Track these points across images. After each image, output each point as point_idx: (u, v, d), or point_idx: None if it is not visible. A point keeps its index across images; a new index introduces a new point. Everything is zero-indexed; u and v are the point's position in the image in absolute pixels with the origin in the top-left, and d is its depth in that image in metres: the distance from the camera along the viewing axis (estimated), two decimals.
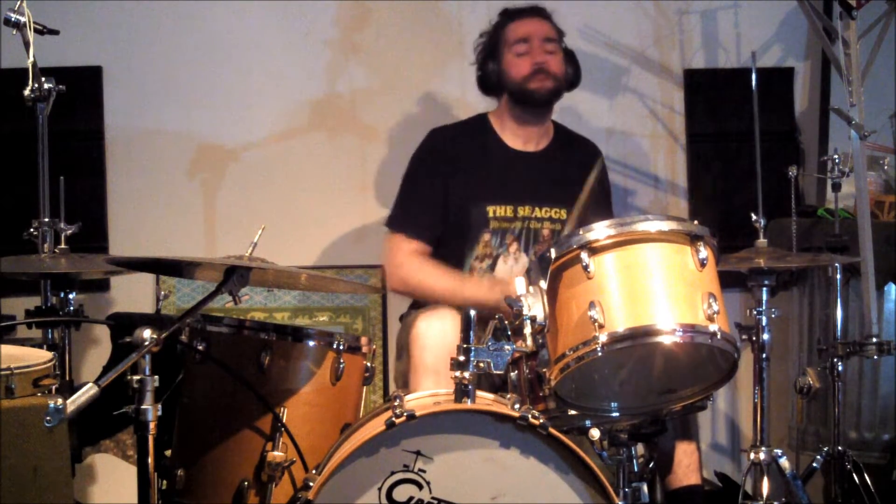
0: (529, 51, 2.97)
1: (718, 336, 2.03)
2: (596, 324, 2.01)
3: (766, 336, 2.66)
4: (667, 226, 2.09)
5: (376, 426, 1.98)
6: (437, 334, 2.62)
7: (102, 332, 3.33)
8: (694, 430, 2.75)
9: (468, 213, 2.94)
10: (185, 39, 3.57)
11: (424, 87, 3.67)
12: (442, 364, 2.42)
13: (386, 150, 3.65)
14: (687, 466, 2.69)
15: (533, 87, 2.95)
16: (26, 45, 2.44)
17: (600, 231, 2.07)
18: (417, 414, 1.95)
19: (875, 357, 2.93)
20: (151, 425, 1.92)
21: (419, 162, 3.02)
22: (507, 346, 2.06)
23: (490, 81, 3.03)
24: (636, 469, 2.21)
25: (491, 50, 3.04)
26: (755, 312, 2.66)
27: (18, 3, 2.45)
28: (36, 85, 2.46)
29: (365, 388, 2.43)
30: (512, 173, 2.99)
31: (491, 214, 2.94)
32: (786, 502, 2.73)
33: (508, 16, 3.06)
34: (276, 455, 2.20)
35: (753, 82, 2.78)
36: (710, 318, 2.04)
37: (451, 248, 2.96)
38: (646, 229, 2.08)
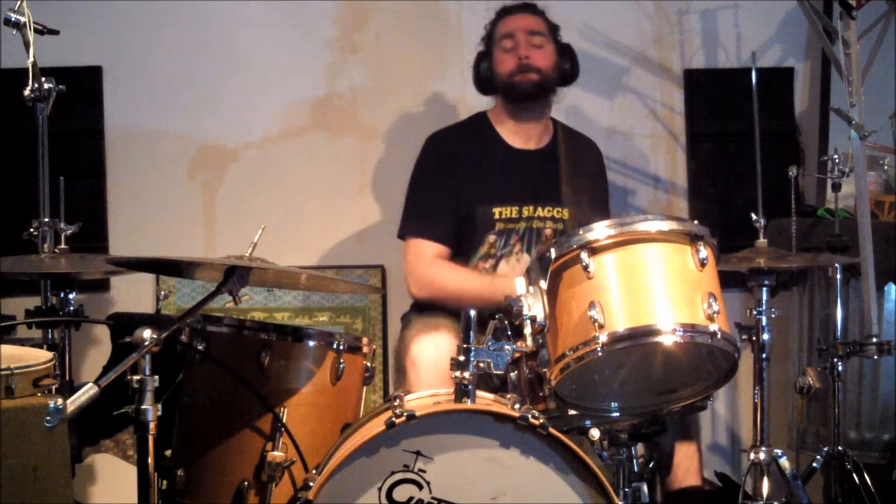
0: (515, 46, 2.98)
1: (718, 336, 2.03)
2: (596, 324, 2.01)
3: (766, 336, 2.65)
4: (667, 226, 2.09)
5: (376, 426, 1.98)
6: (431, 359, 2.61)
7: (102, 332, 3.32)
8: (694, 430, 2.75)
9: (474, 215, 2.94)
10: (185, 39, 3.57)
11: (424, 86, 3.67)
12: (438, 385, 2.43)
13: (386, 150, 3.64)
14: (687, 468, 2.69)
15: (516, 81, 2.95)
16: (26, 45, 2.44)
17: (600, 231, 2.08)
18: (417, 414, 1.95)
19: (875, 357, 2.92)
20: (151, 425, 1.92)
21: (424, 168, 3.02)
22: (507, 346, 2.06)
23: (484, 80, 3.04)
24: (636, 469, 2.21)
25: (485, 49, 3.06)
26: (755, 312, 2.65)
27: (18, 3, 2.44)
28: (36, 85, 2.45)
29: (365, 388, 2.43)
30: (514, 172, 2.99)
31: (497, 216, 2.94)
32: (786, 502, 2.72)
33: (499, 14, 3.08)
34: (276, 455, 2.20)
35: (753, 82, 2.78)
36: (710, 318, 2.04)
37: (456, 250, 2.95)
38: (646, 229, 2.08)
